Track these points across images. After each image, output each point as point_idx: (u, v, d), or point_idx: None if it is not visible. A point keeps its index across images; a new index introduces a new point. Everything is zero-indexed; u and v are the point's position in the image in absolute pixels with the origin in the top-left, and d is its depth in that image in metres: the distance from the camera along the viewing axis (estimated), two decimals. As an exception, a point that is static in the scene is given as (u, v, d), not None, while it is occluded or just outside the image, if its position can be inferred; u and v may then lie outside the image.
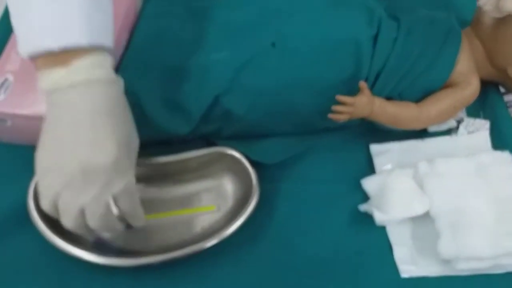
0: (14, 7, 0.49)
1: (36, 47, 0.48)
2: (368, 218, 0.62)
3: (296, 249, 0.61)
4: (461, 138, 0.69)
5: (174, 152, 0.62)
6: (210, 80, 0.61)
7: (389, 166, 0.66)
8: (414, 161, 0.64)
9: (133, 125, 0.52)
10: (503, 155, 0.65)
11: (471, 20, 0.70)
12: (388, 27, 0.65)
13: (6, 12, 0.75)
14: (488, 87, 0.71)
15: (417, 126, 0.66)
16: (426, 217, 0.61)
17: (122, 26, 0.66)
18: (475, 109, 0.70)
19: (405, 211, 0.61)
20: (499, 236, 0.59)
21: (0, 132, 0.64)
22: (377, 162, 0.67)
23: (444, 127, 0.69)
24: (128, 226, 0.54)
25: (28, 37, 0.48)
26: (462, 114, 0.70)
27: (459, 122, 0.70)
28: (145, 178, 0.62)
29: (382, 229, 0.62)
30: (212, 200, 0.63)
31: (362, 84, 0.62)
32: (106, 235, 0.59)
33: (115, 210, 0.49)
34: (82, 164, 0.47)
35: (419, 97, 0.66)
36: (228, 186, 0.63)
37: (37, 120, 0.60)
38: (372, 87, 0.64)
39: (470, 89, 0.66)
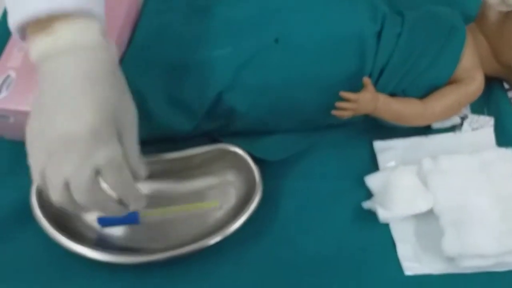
0: None
1: (23, 15, 0.46)
2: (371, 215, 0.62)
3: (299, 246, 0.61)
4: (465, 135, 0.68)
5: (177, 149, 0.62)
6: (213, 77, 0.61)
7: (392, 163, 0.66)
8: (418, 158, 0.64)
9: (124, 94, 0.49)
10: (508, 152, 0.64)
11: (475, 15, 0.69)
12: (392, 23, 0.65)
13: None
14: (493, 83, 0.71)
15: (421, 122, 0.66)
16: (429, 214, 0.61)
17: (124, 23, 0.65)
18: (479, 106, 0.70)
19: (408, 208, 0.61)
20: (503, 233, 0.59)
21: (3, 129, 0.64)
22: (381, 159, 0.67)
23: (448, 123, 0.69)
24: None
25: (15, 7, 0.47)
26: (466, 110, 0.70)
27: (463, 118, 0.70)
28: (148, 174, 0.62)
29: (386, 226, 0.62)
30: (215, 197, 0.63)
31: (366, 80, 0.61)
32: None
33: (104, 185, 0.47)
34: (60, 134, 0.45)
35: (423, 94, 0.66)
36: (231, 183, 0.63)
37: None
38: (376, 83, 0.64)
39: (475, 85, 0.66)
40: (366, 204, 0.63)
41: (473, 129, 0.69)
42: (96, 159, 0.45)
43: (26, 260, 0.58)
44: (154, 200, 0.62)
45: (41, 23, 0.46)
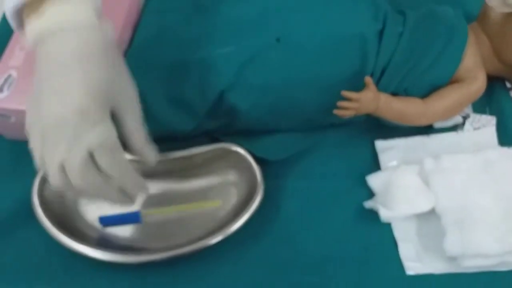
0: None
1: (15, 0, 0.46)
2: (373, 214, 0.62)
3: (300, 246, 0.61)
4: (467, 134, 0.68)
5: (179, 148, 0.62)
6: (214, 76, 0.61)
7: (394, 163, 0.66)
8: (419, 157, 0.64)
9: (121, 74, 0.48)
10: (510, 151, 0.64)
11: (477, 14, 0.69)
12: (393, 21, 0.65)
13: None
14: (495, 82, 0.71)
15: (423, 122, 0.66)
16: (431, 214, 0.61)
17: (125, 22, 0.65)
18: (481, 105, 0.70)
19: (410, 207, 0.61)
20: (506, 233, 0.59)
21: (4, 128, 0.64)
22: (382, 158, 0.66)
23: (450, 123, 0.69)
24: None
25: None
26: (468, 110, 0.70)
27: (465, 118, 0.69)
28: (150, 174, 0.62)
29: (387, 225, 0.62)
30: (217, 197, 0.62)
31: (368, 79, 0.61)
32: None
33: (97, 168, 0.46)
34: (51, 117, 0.45)
35: (425, 93, 0.66)
36: (233, 182, 0.63)
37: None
38: (377, 83, 0.64)
39: (477, 84, 0.66)
40: (368, 204, 0.63)
41: (475, 129, 0.69)
42: (88, 140, 0.44)
43: (27, 259, 0.58)
44: (156, 200, 0.62)
45: (34, 6, 0.46)
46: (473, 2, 0.72)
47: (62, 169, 0.45)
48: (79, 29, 0.46)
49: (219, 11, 0.64)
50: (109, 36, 0.48)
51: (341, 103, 0.61)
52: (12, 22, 0.48)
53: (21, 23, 0.48)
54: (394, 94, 0.65)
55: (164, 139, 0.62)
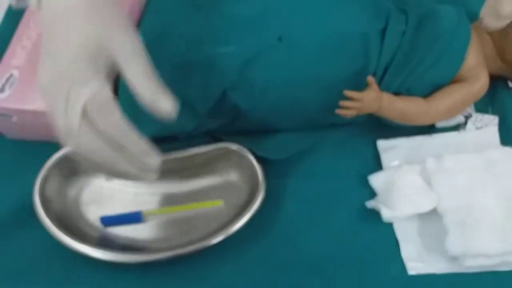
0: None
1: None
2: (375, 214, 0.62)
3: (302, 246, 0.61)
4: (470, 134, 0.68)
5: (180, 148, 0.62)
6: (217, 75, 0.61)
7: (396, 162, 0.66)
8: (421, 157, 0.64)
9: (119, 27, 0.46)
10: (512, 150, 0.64)
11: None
12: (396, 20, 0.65)
13: (10, 8, 0.75)
14: (497, 82, 0.71)
15: (426, 121, 0.66)
16: (433, 214, 0.61)
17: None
18: (484, 105, 0.70)
19: (412, 207, 0.61)
20: (508, 232, 0.58)
21: (5, 127, 0.64)
22: (385, 158, 0.66)
23: (452, 122, 0.69)
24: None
25: None
26: (470, 109, 0.70)
27: (467, 117, 0.69)
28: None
29: (389, 225, 0.62)
30: (218, 196, 0.62)
31: (370, 78, 0.61)
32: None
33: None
34: (44, 78, 0.44)
35: (428, 92, 0.65)
36: (234, 182, 0.63)
37: (43, 116, 0.61)
38: (380, 82, 0.63)
39: (479, 83, 0.66)
40: (370, 204, 0.62)
41: (477, 128, 0.68)
42: (80, 99, 0.43)
43: (28, 259, 0.58)
44: (157, 200, 0.62)
45: None
46: (475, 1, 0.72)
47: (68, 132, 0.44)
48: None
49: (221, 11, 0.64)
50: None
51: (343, 103, 0.61)
52: None
53: None
54: (397, 93, 0.65)
55: (166, 139, 0.63)
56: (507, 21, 0.58)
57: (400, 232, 0.61)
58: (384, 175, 0.64)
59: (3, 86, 0.61)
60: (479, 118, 0.69)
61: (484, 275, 0.58)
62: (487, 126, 0.68)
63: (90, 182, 0.62)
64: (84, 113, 0.43)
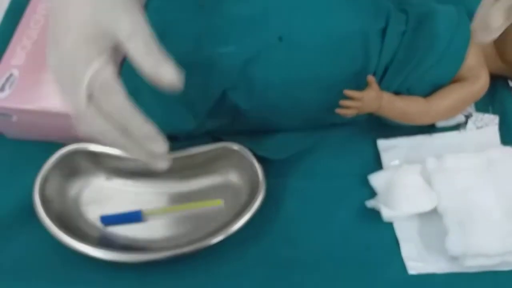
0: None
1: None
2: (375, 214, 0.62)
3: (302, 245, 0.61)
4: (470, 133, 0.68)
5: (180, 148, 0.61)
6: (217, 75, 0.61)
7: (396, 162, 0.66)
8: (422, 156, 0.64)
9: (115, 5, 0.45)
10: (513, 150, 0.64)
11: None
12: (396, 20, 0.64)
13: (11, 6, 0.75)
14: (497, 81, 0.70)
15: (426, 121, 0.66)
16: (434, 213, 0.61)
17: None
18: (484, 104, 0.70)
19: (412, 207, 0.61)
20: (508, 232, 0.58)
21: (5, 127, 0.64)
22: (385, 157, 0.66)
23: (452, 122, 0.69)
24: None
25: None
26: (470, 109, 0.70)
27: (467, 117, 0.69)
28: (151, 173, 0.62)
29: (389, 225, 0.62)
30: (218, 196, 0.62)
31: (370, 78, 0.61)
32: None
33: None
34: (51, 62, 0.45)
35: (428, 92, 0.65)
36: (234, 181, 0.63)
37: (43, 115, 0.61)
38: (380, 82, 0.63)
39: (480, 83, 0.66)
40: (370, 203, 0.62)
41: (478, 128, 0.68)
42: (84, 79, 0.43)
43: (28, 259, 0.58)
44: (157, 199, 0.62)
45: None
46: (475, 1, 0.72)
47: (77, 113, 0.44)
48: None
49: (221, 10, 0.64)
50: None
51: (343, 102, 0.61)
52: None
53: None
54: (397, 93, 0.65)
55: (166, 139, 0.62)
56: (498, 33, 0.57)
57: (400, 232, 0.61)
58: (384, 175, 0.64)
59: (3, 85, 0.61)
60: (479, 118, 0.69)
61: (484, 275, 0.58)
62: (487, 125, 0.68)
63: (90, 181, 0.62)
64: (91, 95, 0.43)
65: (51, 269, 0.57)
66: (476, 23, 0.52)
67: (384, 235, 0.61)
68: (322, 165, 0.66)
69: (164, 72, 0.44)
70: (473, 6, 0.71)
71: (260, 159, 0.61)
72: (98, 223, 0.60)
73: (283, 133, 0.66)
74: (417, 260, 0.59)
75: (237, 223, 0.57)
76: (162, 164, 0.49)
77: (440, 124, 0.69)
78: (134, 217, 0.60)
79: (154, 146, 0.46)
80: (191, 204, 0.62)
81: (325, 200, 0.64)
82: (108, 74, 0.44)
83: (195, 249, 0.56)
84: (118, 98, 0.44)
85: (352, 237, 0.61)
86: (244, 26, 0.63)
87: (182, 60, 0.61)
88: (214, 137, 0.65)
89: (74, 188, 0.61)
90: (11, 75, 0.62)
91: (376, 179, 0.64)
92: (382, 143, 0.67)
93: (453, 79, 0.66)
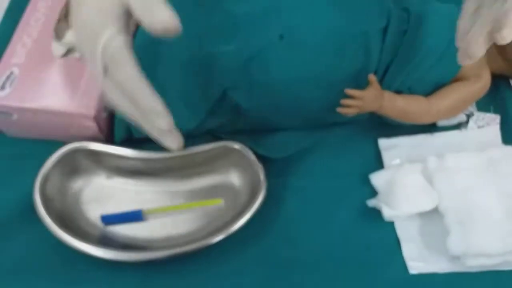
0: None
1: None
2: (376, 213, 0.62)
3: (303, 245, 0.61)
4: (471, 133, 0.68)
5: (180, 146, 0.61)
6: (218, 74, 0.61)
7: (397, 161, 0.66)
8: (423, 155, 0.64)
9: None
10: (514, 150, 0.64)
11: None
12: (398, 19, 0.64)
13: (11, 5, 0.75)
14: (499, 81, 0.70)
15: (427, 120, 0.66)
16: (434, 213, 0.60)
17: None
18: (485, 103, 0.70)
19: (413, 206, 0.61)
20: (509, 232, 0.58)
21: (6, 126, 0.64)
22: (386, 156, 0.66)
23: (453, 121, 0.69)
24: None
25: None
26: (472, 108, 0.70)
27: (469, 116, 0.69)
28: (151, 172, 0.62)
29: (390, 224, 0.62)
30: (219, 195, 0.62)
31: (372, 77, 0.61)
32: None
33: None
34: (74, 27, 0.46)
35: (429, 91, 0.65)
36: (235, 180, 0.63)
37: (43, 114, 0.61)
38: (381, 81, 0.63)
39: (481, 82, 0.66)
40: (371, 202, 0.62)
41: (479, 127, 0.68)
42: (99, 50, 0.44)
43: (29, 258, 0.58)
44: (158, 198, 0.62)
45: None
46: None
47: (97, 81, 0.45)
48: None
49: (221, 9, 0.64)
50: None
51: (344, 101, 0.60)
52: None
53: None
54: (398, 92, 0.64)
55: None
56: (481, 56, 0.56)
57: (401, 231, 0.61)
58: (385, 174, 0.64)
59: (4, 84, 0.61)
60: (480, 117, 0.69)
61: (485, 275, 0.58)
62: (488, 125, 0.68)
63: (91, 180, 0.62)
64: (106, 65, 0.44)
65: (52, 268, 0.57)
66: (459, 52, 0.51)
67: (385, 234, 0.61)
68: (323, 164, 0.66)
69: (157, 16, 0.44)
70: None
71: (261, 158, 0.61)
72: (99, 222, 0.60)
73: (283, 132, 0.66)
74: (418, 259, 0.59)
75: (238, 222, 0.57)
76: (170, 143, 0.49)
77: (441, 123, 0.69)
78: (134, 216, 0.60)
79: (159, 121, 0.46)
80: (191, 204, 0.62)
81: (326, 200, 0.63)
82: (119, 43, 0.44)
83: (196, 249, 0.56)
84: (127, 68, 0.44)
85: (352, 236, 0.61)
86: (244, 24, 0.63)
87: (182, 59, 0.62)
88: (215, 136, 0.65)
89: (75, 187, 0.61)
90: (11, 73, 0.62)
91: (377, 178, 0.64)
92: (383, 142, 0.67)
93: (454, 78, 0.65)
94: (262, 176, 0.60)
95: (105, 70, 0.44)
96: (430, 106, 0.64)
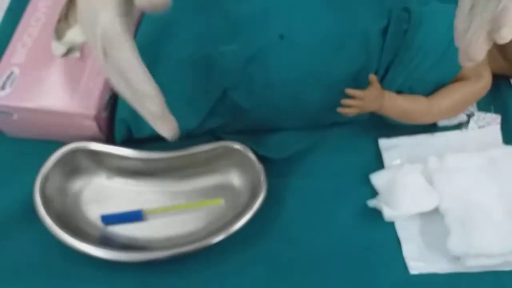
0: None
1: None
2: (376, 213, 0.62)
3: (303, 245, 0.60)
4: (472, 133, 0.68)
5: (181, 146, 0.61)
6: (218, 74, 0.61)
7: (398, 161, 0.66)
8: (423, 156, 0.64)
9: None
10: (515, 150, 0.64)
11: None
12: (398, 19, 0.64)
13: (11, 5, 0.74)
14: (500, 81, 0.70)
15: (428, 120, 0.66)
16: (435, 213, 0.60)
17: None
18: (486, 103, 0.70)
19: (414, 207, 0.61)
20: (509, 232, 0.58)
21: (6, 125, 0.64)
22: (386, 156, 0.66)
23: (454, 121, 0.69)
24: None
25: None
26: (472, 108, 0.69)
27: (469, 116, 0.69)
28: (152, 172, 0.62)
29: (391, 225, 0.62)
30: (219, 195, 0.62)
31: (372, 77, 0.61)
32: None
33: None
34: (79, 8, 0.46)
35: (430, 91, 0.65)
36: (235, 181, 0.63)
37: (43, 114, 0.61)
38: (382, 81, 0.63)
39: (482, 82, 0.66)
40: (371, 203, 0.62)
41: (480, 127, 0.68)
42: (96, 31, 0.44)
43: (29, 258, 0.58)
44: (158, 198, 0.62)
45: None
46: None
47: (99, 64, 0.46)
48: None
49: (222, 8, 0.64)
50: None
51: (345, 101, 0.60)
52: None
53: None
54: (399, 92, 0.64)
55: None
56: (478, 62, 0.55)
57: (402, 232, 0.61)
58: (385, 174, 0.64)
59: (4, 83, 0.61)
60: (481, 117, 0.69)
61: (485, 275, 0.58)
62: (489, 125, 0.68)
63: (91, 180, 0.62)
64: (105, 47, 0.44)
65: (52, 268, 0.57)
66: (460, 54, 0.51)
67: (385, 235, 0.61)
68: (323, 164, 0.66)
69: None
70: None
71: (261, 158, 0.61)
72: (99, 222, 0.60)
73: (284, 132, 0.66)
74: (418, 260, 0.59)
75: (238, 222, 0.57)
76: (162, 127, 0.49)
77: (442, 123, 0.68)
78: (134, 216, 0.60)
79: (150, 104, 0.47)
80: (191, 204, 0.62)
81: (326, 200, 0.63)
82: (117, 26, 0.44)
83: (196, 249, 0.56)
84: (123, 51, 0.45)
85: (353, 236, 0.61)
86: (245, 24, 0.63)
87: (182, 59, 0.62)
88: (215, 136, 0.65)
89: (75, 187, 0.61)
90: (11, 73, 0.62)
91: (377, 179, 0.64)
92: (383, 142, 0.67)
93: (455, 78, 0.65)
94: (262, 176, 0.60)
95: (105, 53, 0.45)
96: (431, 106, 0.64)
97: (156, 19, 0.65)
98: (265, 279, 0.58)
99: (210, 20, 0.63)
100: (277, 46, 0.61)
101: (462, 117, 0.69)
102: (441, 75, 0.65)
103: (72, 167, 0.61)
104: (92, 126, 0.61)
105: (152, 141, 0.62)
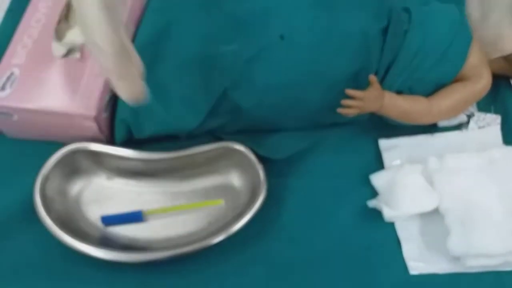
0: None
1: None
2: (376, 214, 0.62)
3: (303, 245, 0.61)
4: (472, 133, 0.68)
5: (181, 147, 0.61)
6: (218, 73, 0.61)
7: (398, 162, 0.66)
8: (423, 156, 0.64)
9: None
10: (514, 150, 0.64)
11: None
12: (398, 19, 0.64)
13: (12, 6, 0.75)
14: (500, 81, 0.70)
15: (428, 120, 0.65)
16: (435, 213, 0.60)
17: (128, 20, 0.65)
18: (486, 104, 0.70)
19: (414, 207, 0.61)
20: (509, 232, 0.58)
21: (6, 126, 0.64)
22: (386, 157, 0.66)
23: (454, 122, 0.69)
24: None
25: None
26: (472, 108, 0.69)
27: (469, 116, 0.69)
28: (152, 173, 0.62)
29: (391, 225, 0.62)
30: (220, 195, 0.62)
31: (372, 77, 0.61)
32: None
33: None
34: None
35: (430, 91, 0.65)
36: (236, 181, 0.63)
37: (44, 114, 0.61)
38: (382, 81, 0.63)
39: (482, 82, 0.65)
40: (371, 203, 0.62)
41: (480, 127, 0.68)
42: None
43: (29, 258, 0.58)
44: (158, 198, 0.62)
45: None
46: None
47: None
48: None
49: (224, 8, 0.64)
50: None
51: (345, 102, 0.60)
52: None
53: None
54: (399, 92, 0.64)
55: (167, 138, 0.62)
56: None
57: (402, 232, 0.61)
58: (385, 174, 0.64)
59: (4, 84, 0.61)
60: (481, 117, 0.69)
61: (486, 275, 0.58)
62: (489, 125, 0.68)
63: (91, 181, 0.62)
64: None
65: (52, 269, 0.57)
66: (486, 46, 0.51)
67: (385, 235, 0.61)
68: (323, 164, 0.66)
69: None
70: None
71: (261, 159, 0.61)
72: (99, 223, 0.60)
73: (284, 132, 0.66)
74: (418, 260, 0.59)
75: (238, 222, 0.57)
76: (120, 87, 0.50)
77: (442, 123, 0.68)
78: (134, 217, 0.60)
79: (105, 60, 0.48)
80: (192, 204, 0.62)
81: (326, 200, 0.63)
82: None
83: (196, 249, 0.56)
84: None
85: (353, 236, 0.61)
86: (245, 25, 0.63)
87: (183, 60, 0.62)
88: (215, 136, 0.65)
89: (75, 187, 0.61)
90: (12, 74, 0.62)
91: (377, 179, 0.64)
92: (383, 143, 0.67)
93: (455, 78, 0.65)
94: (262, 176, 0.60)
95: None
96: (431, 107, 0.64)
97: (156, 19, 0.65)
98: (265, 279, 0.58)
99: (211, 21, 0.63)
100: (278, 46, 0.61)
101: (462, 118, 0.69)
102: (441, 75, 0.65)
103: (72, 167, 0.61)
104: (92, 127, 0.61)
105: (152, 141, 0.62)
